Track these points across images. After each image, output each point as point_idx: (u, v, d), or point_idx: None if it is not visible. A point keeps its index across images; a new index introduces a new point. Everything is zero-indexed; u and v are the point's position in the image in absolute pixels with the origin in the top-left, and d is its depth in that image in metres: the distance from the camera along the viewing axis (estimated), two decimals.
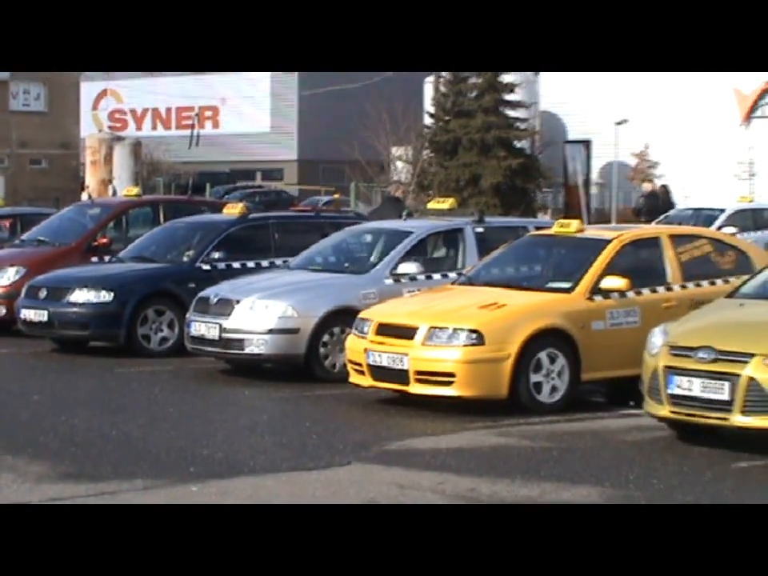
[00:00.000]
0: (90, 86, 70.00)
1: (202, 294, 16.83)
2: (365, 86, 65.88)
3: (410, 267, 16.47)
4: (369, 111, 55.68)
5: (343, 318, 15.50)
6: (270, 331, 15.84)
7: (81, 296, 18.39)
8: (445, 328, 13.70)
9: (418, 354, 13.61)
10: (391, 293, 15.78)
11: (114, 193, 33.69)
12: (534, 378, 13.66)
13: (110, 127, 67.84)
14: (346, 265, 17.49)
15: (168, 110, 75.62)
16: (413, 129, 57.61)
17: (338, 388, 14.79)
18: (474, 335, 13.53)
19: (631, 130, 61.06)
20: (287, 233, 19.79)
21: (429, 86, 62.42)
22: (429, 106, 60.12)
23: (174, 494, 10.08)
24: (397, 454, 11.75)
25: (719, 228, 24.83)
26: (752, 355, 11.50)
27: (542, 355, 13.72)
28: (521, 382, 13.56)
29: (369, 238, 18.11)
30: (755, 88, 64.33)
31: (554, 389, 13.76)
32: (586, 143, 65.88)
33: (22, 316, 19.07)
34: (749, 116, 64.27)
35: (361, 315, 14.64)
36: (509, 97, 57.09)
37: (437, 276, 16.64)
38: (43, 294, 18.81)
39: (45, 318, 18.57)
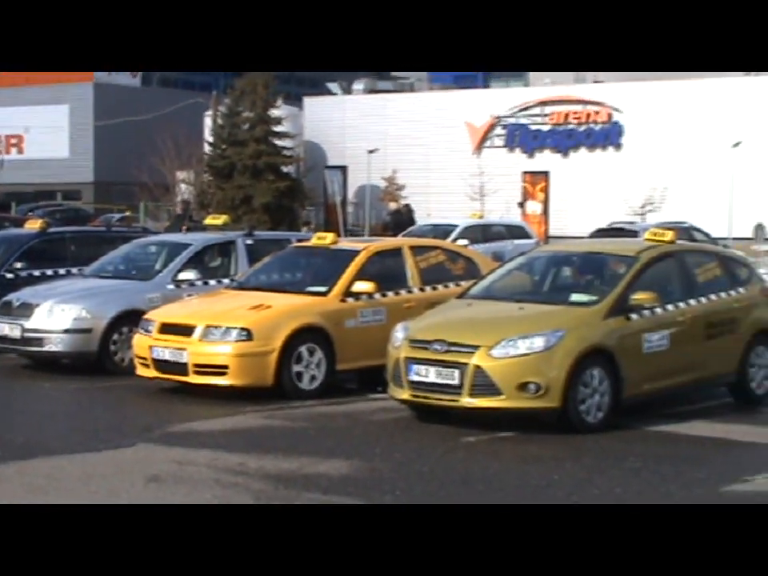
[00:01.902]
0: None
1: (5, 298, 16.42)
2: (154, 117, 65.62)
3: (189, 274, 16.43)
4: (156, 140, 55.48)
5: (131, 318, 15.31)
6: (66, 331, 15.62)
7: None
8: (219, 326, 13.68)
9: (195, 349, 13.59)
10: (173, 297, 15.64)
11: None
12: (296, 368, 13.70)
13: None
14: (134, 272, 17.25)
15: None
16: (194, 155, 57.56)
17: (127, 380, 14.61)
18: (244, 332, 13.56)
19: (381, 157, 61.77)
20: (82, 245, 19.39)
21: (208, 118, 62.32)
22: (208, 135, 60.02)
23: None
24: (177, 435, 11.70)
25: (453, 240, 25.17)
26: (477, 347, 11.74)
27: (303, 349, 13.78)
28: (284, 372, 13.60)
29: (154, 249, 17.93)
30: (484, 122, 65.84)
31: (313, 377, 13.81)
32: (343, 168, 66.51)
33: None
34: (479, 146, 65.68)
35: (146, 316, 14.53)
36: (277, 128, 57.44)
37: (213, 282, 16.61)
38: None
39: None
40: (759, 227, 45.33)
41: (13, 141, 74.06)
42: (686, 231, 28.48)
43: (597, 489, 9.61)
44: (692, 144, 59.98)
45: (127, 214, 52.52)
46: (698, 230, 33.43)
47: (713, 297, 13.38)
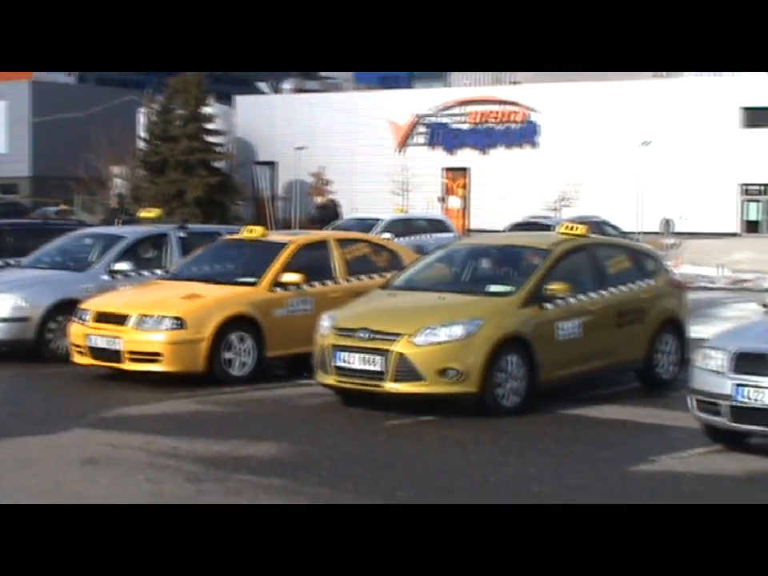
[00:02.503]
0: None
1: None
2: (89, 114, 64.97)
3: (123, 265, 16.31)
4: (91, 136, 55.03)
5: (67, 308, 15.15)
6: (4, 320, 15.45)
7: None
8: (152, 315, 13.64)
9: (130, 337, 13.52)
10: (108, 287, 15.51)
11: None
12: (227, 355, 13.70)
13: None
14: (70, 264, 17.04)
15: None
16: (128, 151, 57.16)
17: (63, 367, 14.49)
18: (177, 321, 13.53)
19: (309, 154, 61.69)
20: (19, 237, 19.17)
21: (142, 115, 61.93)
22: (142, 132, 59.68)
23: None
24: (112, 420, 11.64)
25: (378, 234, 25.20)
26: (400, 335, 11.77)
27: (233, 337, 13.77)
28: (216, 359, 13.59)
29: (89, 241, 17.75)
30: (407, 121, 65.95)
31: (243, 364, 13.81)
32: (272, 164, 66.37)
33: None
34: (403, 143, 65.81)
35: (81, 305, 14.42)
36: (208, 125, 57.22)
37: (146, 273, 16.50)
38: None
39: None
40: (666, 222, 45.95)
41: None
42: (597, 225, 28.69)
43: (512, 469, 9.68)
44: (604, 143, 60.53)
45: (63, 207, 52.02)
46: (609, 224, 33.78)
47: (623, 287, 13.48)
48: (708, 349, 10.32)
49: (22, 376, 14.60)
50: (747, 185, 60.37)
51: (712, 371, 10.04)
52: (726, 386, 9.87)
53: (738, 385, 9.80)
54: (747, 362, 9.87)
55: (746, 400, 9.76)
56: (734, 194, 60.33)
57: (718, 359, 10.05)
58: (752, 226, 60.13)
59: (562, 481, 9.22)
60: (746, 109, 60.12)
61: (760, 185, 60.39)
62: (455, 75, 71.69)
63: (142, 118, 62.07)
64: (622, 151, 59.30)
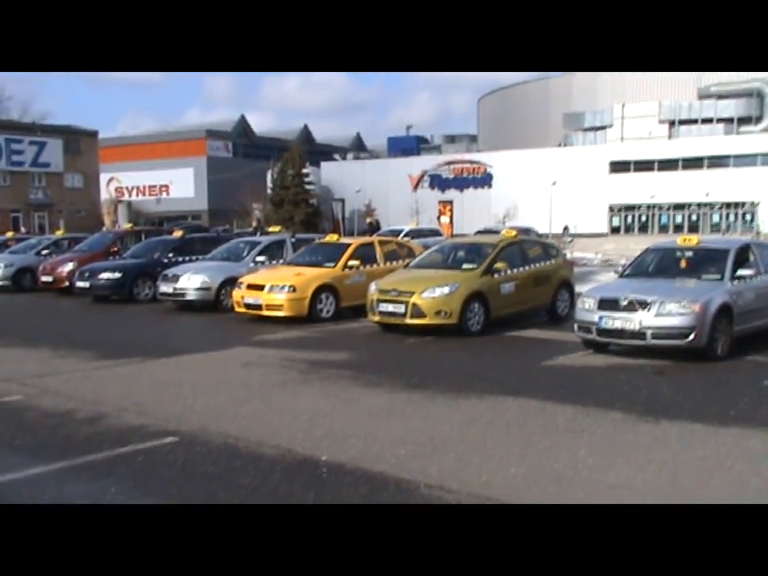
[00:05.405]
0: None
1: (165, 272, 16.40)
2: (239, 174, 65.40)
3: (261, 258, 16.22)
4: (241, 186, 55.02)
5: (231, 282, 15.13)
6: (197, 289, 15.60)
7: (105, 275, 17.82)
8: (278, 284, 13.65)
9: (266, 297, 13.54)
10: (254, 270, 15.46)
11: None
12: (319, 306, 13.73)
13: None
14: (231, 257, 16.82)
15: None
16: (261, 194, 57.49)
17: (229, 315, 14.45)
18: (291, 287, 13.53)
19: (363, 194, 61.59)
20: (204, 244, 18.89)
21: (268, 173, 62.46)
22: (269, 182, 60.13)
23: (142, 364, 9.83)
24: (257, 341, 11.65)
25: (401, 238, 25.25)
26: (413, 293, 11.84)
27: (323, 296, 13.79)
28: (313, 308, 13.63)
29: (242, 245, 17.46)
30: (418, 174, 65.89)
31: (328, 311, 13.82)
32: (342, 200, 66.37)
33: (74, 285, 18.40)
34: (415, 187, 65.63)
35: (239, 280, 14.40)
36: (306, 179, 57.47)
37: (274, 262, 16.09)
38: (87, 274, 18.10)
39: (87, 286, 17.92)
40: (565, 228, 45.79)
41: (164, 188, 73.81)
42: (525, 231, 28.53)
43: (477, 364, 9.73)
44: (530, 183, 60.23)
45: (226, 227, 52.48)
46: (532, 230, 33.60)
47: (537, 264, 13.42)
48: (585, 297, 10.29)
49: (207, 320, 14.62)
50: (612, 205, 60.04)
51: (587, 310, 10.05)
52: (594, 317, 9.90)
53: (601, 317, 9.84)
54: (605, 304, 9.88)
55: (605, 325, 9.80)
56: (605, 211, 59.95)
57: (590, 302, 10.06)
58: (615, 230, 59.79)
59: (504, 370, 9.23)
60: (612, 162, 59.71)
61: (620, 205, 60.02)
62: (445, 146, 71.42)
63: (268, 175, 62.39)
64: (540, 188, 58.96)
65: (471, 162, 65.23)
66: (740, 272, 10.26)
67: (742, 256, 10.61)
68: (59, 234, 25.35)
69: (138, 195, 73.82)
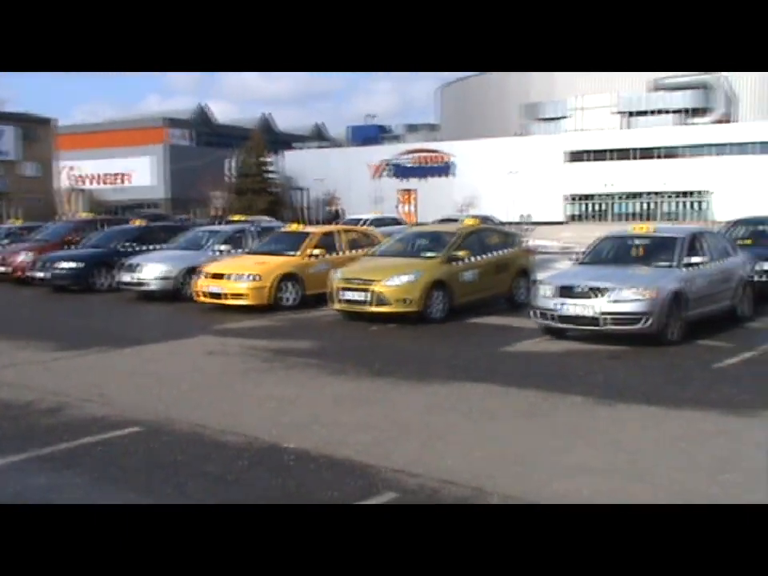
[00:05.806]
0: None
1: (127, 261, 16.07)
2: (200, 163, 64.72)
3: (223, 247, 16.14)
4: (201, 175, 54.40)
5: (192, 271, 14.99)
6: (158, 278, 15.42)
7: (63, 265, 17.46)
8: (241, 273, 13.60)
9: (228, 285, 13.42)
10: (214, 259, 15.20)
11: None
12: (281, 294, 13.68)
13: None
14: (192, 246, 16.62)
15: None
16: (221, 183, 56.95)
17: (191, 304, 14.30)
18: (255, 276, 13.48)
19: (325, 183, 61.34)
20: (164, 232, 18.67)
21: (227, 162, 61.78)
22: (228, 171, 59.47)
23: (103, 355, 9.78)
24: (220, 330, 11.60)
25: (363, 225, 25.24)
26: (377, 281, 11.85)
27: (285, 284, 13.74)
28: (276, 297, 13.59)
29: (201, 233, 17.31)
30: (378, 163, 65.89)
31: (291, 299, 13.80)
32: (304, 189, 66.09)
33: (32, 275, 17.97)
34: (377, 175, 65.64)
35: (200, 269, 14.31)
36: (268, 168, 57.00)
37: (235, 251, 16.04)
38: (45, 264, 17.70)
39: (49, 276, 17.50)
40: (523, 216, 46.23)
41: (126, 176, 72.90)
42: (485, 219, 28.75)
43: (439, 351, 9.71)
44: (490, 172, 60.59)
45: (188, 216, 51.96)
46: (492, 218, 33.87)
47: (497, 252, 13.46)
48: (543, 284, 10.38)
49: (169, 309, 14.49)
50: (569, 195, 60.75)
51: (546, 297, 10.13)
52: (552, 304, 9.99)
53: (559, 304, 9.95)
54: (563, 291, 9.98)
55: (562, 311, 9.90)
56: (561, 200, 60.64)
57: (548, 289, 10.15)
58: (572, 218, 60.55)
59: (466, 357, 9.30)
60: (569, 152, 60.34)
61: (576, 194, 60.76)
62: (406, 135, 71.45)
63: (226, 164, 62.06)
64: (500, 177, 59.39)
65: (433, 151, 65.43)
66: (692, 259, 10.47)
67: (694, 244, 10.83)
68: (17, 223, 24.79)
69: (97, 183, 72.67)
